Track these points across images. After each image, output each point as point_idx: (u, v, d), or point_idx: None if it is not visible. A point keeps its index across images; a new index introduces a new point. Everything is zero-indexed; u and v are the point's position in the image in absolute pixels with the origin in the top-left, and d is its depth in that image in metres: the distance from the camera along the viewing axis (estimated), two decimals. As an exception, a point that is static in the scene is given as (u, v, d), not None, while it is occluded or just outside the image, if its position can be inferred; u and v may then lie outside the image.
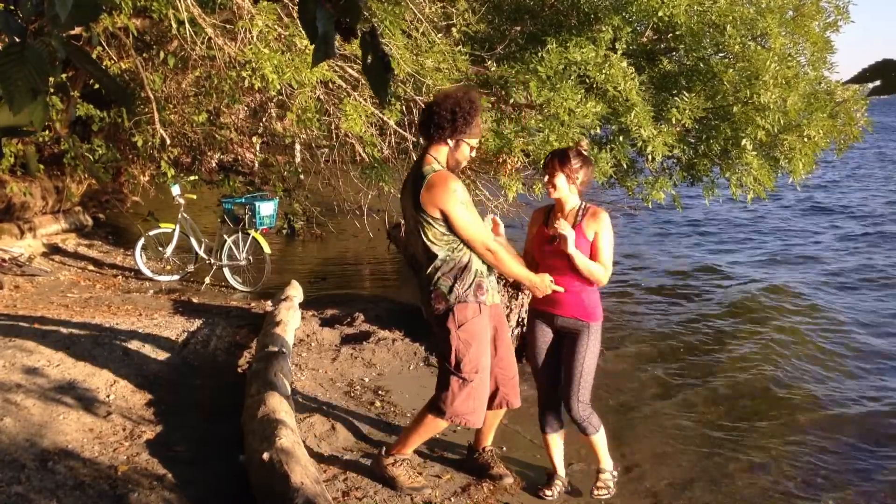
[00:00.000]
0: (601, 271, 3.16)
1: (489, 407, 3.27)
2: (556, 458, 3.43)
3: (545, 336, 3.34)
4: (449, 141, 3.05)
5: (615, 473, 3.44)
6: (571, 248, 3.08)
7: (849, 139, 6.55)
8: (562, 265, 3.16)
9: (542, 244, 3.27)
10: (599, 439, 3.34)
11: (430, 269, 3.07)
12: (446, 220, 2.99)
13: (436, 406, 3.16)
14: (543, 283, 3.13)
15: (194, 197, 7.36)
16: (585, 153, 3.26)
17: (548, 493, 3.34)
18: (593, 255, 3.16)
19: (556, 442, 3.43)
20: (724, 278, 8.04)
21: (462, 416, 3.13)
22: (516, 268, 3.14)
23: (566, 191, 3.20)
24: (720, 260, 9.03)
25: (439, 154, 3.09)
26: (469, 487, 3.34)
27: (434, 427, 3.23)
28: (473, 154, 3.18)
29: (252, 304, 6.14)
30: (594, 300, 3.25)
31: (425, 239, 3.05)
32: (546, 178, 3.24)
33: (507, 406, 3.36)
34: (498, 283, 4.90)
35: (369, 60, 1.26)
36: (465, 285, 3.06)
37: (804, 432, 4.25)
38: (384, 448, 3.34)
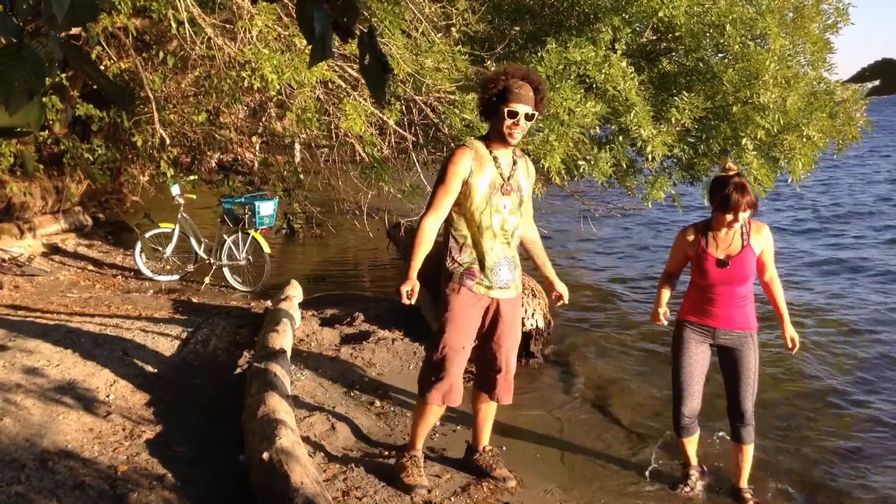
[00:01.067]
0: (780, 286, 3.38)
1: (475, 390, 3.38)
2: (693, 455, 3.53)
3: (700, 347, 3.40)
4: (492, 115, 3.13)
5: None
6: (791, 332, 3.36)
7: (847, 139, 6.55)
8: (727, 291, 3.28)
9: (706, 264, 3.29)
10: (751, 451, 3.41)
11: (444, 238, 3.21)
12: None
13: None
14: (403, 286, 3.01)
15: (194, 197, 7.36)
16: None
17: (686, 489, 3.47)
18: (761, 268, 3.31)
19: (694, 441, 3.52)
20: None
21: (423, 389, 3.21)
22: (416, 252, 3.07)
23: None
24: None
25: (490, 131, 3.19)
26: (469, 487, 3.34)
27: (417, 408, 3.31)
28: (518, 121, 3.07)
29: (252, 304, 6.14)
30: (753, 310, 3.36)
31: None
32: (731, 214, 3.18)
33: (490, 399, 3.37)
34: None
35: (367, 61, 1.26)
36: (455, 264, 3.15)
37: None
38: (405, 446, 3.41)
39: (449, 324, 3.13)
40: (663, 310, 3.45)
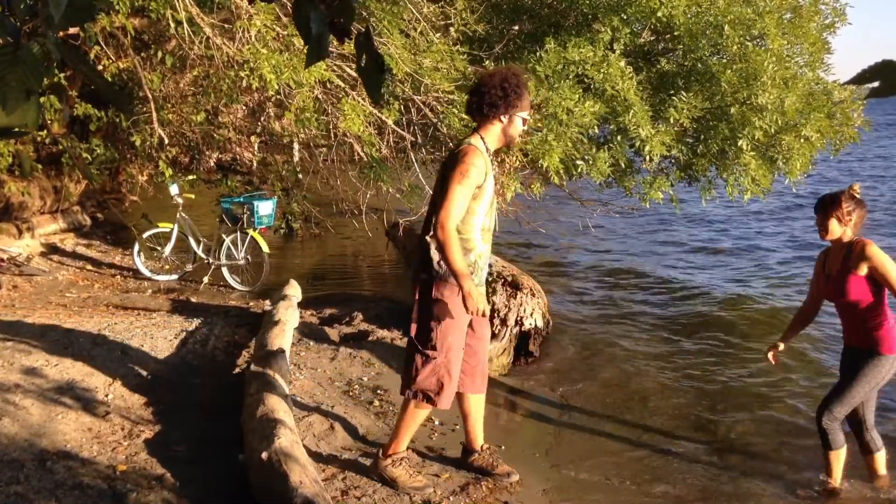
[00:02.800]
0: None
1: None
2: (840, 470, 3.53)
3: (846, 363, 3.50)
4: (503, 117, 3.09)
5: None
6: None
7: (845, 139, 6.55)
8: (846, 302, 3.35)
9: (820, 283, 3.49)
10: (836, 459, 3.45)
11: (429, 237, 3.07)
12: None
13: (405, 385, 3.19)
14: (473, 300, 2.97)
15: (192, 196, 7.36)
16: (858, 196, 3.37)
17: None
18: (880, 286, 3.28)
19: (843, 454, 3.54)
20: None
21: (425, 392, 3.14)
22: (456, 261, 2.98)
23: (838, 233, 3.33)
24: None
25: (489, 133, 3.13)
26: (468, 486, 3.34)
27: (412, 412, 3.22)
28: (526, 127, 3.25)
29: (251, 304, 6.14)
30: (875, 329, 3.33)
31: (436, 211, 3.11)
32: (818, 223, 3.37)
33: (466, 391, 3.35)
34: (497, 280, 4.90)
35: (364, 61, 1.26)
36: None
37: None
38: (380, 450, 3.34)
39: (451, 327, 3.10)
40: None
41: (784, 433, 4.21)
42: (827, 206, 3.33)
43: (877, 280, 3.25)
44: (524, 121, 3.16)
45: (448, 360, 3.12)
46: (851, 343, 3.44)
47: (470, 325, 3.25)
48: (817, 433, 3.46)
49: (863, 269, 3.26)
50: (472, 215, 3.09)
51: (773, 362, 3.70)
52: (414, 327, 3.16)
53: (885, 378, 3.36)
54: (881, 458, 3.53)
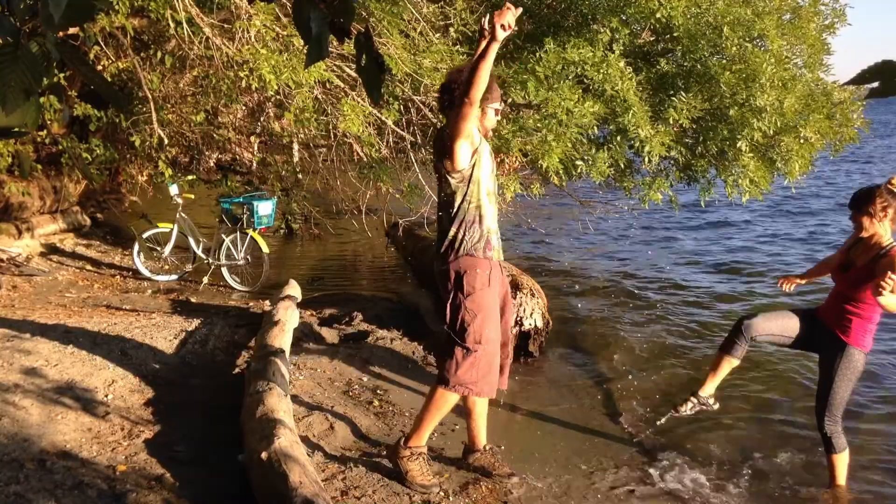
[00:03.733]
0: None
1: None
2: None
3: (805, 319, 3.56)
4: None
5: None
6: (881, 297, 3.06)
7: (845, 140, 6.55)
8: (845, 290, 3.36)
9: (838, 265, 3.48)
10: (839, 462, 3.44)
11: (445, 220, 3.19)
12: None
13: (441, 377, 3.22)
14: (506, 17, 2.80)
15: (192, 196, 7.36)
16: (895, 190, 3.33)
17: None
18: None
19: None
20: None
21: (466, 385, 3.18)
22: (481, 60, 2.85)
23: (872, 230, 3.29)
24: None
25: None
26: (468, 486, 3.34)
27: (443, 402, 3.25)
28: (499, 118, 3.36)
29: (250, 304, 6.14)
30: (862, 326, 3.34)
31: (445, 193, 3.20)
32: (852, 219, 3.35)
33: (499, 386, 3.38)
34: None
35: (364, 61, 1.26)
36: (475, 238, 3.15)
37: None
38: (402, 438, 3.34)
39: (480, 316, 3.14)
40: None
41: (796, 446, 4.17)
42: (860, 203, 3.30)
43: None
44: (497, 111, 3.26)
45: (488, 351, 3.17)
46: (825, 317, 3.47)
47: (502, 313, 3.31)
48: (820, 440, 3.50)
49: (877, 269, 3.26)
50: (477, 184, 3.16)
51: (783, 288, 3.79)
52: (448, 321, 3.20)
53: (860, 371, 3.40)
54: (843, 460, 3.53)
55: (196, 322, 5.20)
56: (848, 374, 3.35)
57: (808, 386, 4.72)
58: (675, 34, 6.24)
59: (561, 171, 5.73)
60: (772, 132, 5.88)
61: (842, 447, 3.45)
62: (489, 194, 3.22)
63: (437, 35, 6.07)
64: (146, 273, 7.01)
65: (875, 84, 1.18)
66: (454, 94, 3.09)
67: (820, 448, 3.62)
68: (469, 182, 3.15)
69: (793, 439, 4.12)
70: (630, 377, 5.02)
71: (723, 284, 7.77)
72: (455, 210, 3.16)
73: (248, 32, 5.15)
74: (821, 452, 3.63)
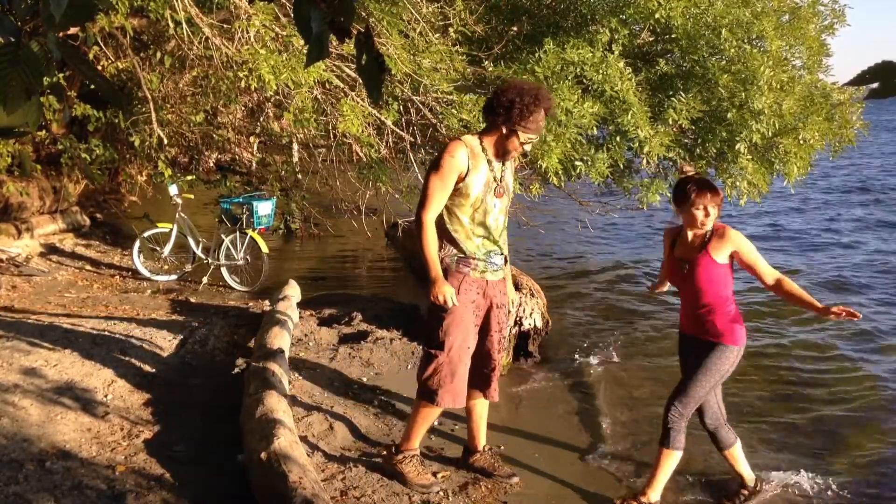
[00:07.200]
0: (772, 277, 3.19)
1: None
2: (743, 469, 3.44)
3: (688, 355, 3.31)
4: (503, 129, 3.08)
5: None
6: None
7: (844, 141, 6.55)
8: (690, 289, 3.23)
9: (672, 268, 3.31)
10: (666, 459, 3.24)
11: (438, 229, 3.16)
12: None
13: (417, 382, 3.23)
14: (436, 288, 3.00)
15: (192, 197, 7.36)
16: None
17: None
18: (751, 272, 3.20)
19: (736, 454, 3.42)
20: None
21: (429, 393, 3.15)
22: (429, 253, 3.04)
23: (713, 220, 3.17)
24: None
25: (488, 137, 3.13)
26: (467, 486, 3.34)
27: (423, 410, 3.22)
28: (527, 149, 3.21)
29: (250, 304, 6.14)
30: (724, 321, 3.20)
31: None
32: (701, 209, 3.13)
33: (485, 398, 3.37)
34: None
35: (364, 61, 1.26)
36: (450, 254, 3.13)
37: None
38: (394, 445, 3.35)
39: (453, 324, 3.10)
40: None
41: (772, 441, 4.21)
42: (711, 194, 3.14)
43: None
44: (522, 143, 3.09)
45: (450, 359, 3.12)
46: (694, 332, 3.30)
47: (488, 329, 3.25)
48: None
49: (721, 256, 3.20)
50: (460, 209, 3.11)
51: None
52: (425, 328, 3.21)
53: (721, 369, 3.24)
54: (738, 451, 3.41)
55: (196, 322, 5.20)
56: (712, 369, 3.18)
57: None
58: (673, 35, 6.24)
59: (560, 172, 5.73)
60: (770, 134, 5.88)
61: (678, 445, 3.21)
62: (475, 224, 3.12)
63: (437, 35, 6.07)
64: (145, 273, 7.01)
65: (875, 85, 1.19)
66: (492, 103, 3.07)
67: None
68: (452, 207, 3.11)
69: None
70: (632, 377, 5.02)
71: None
72: (439, 224, 3.14)
73: (248, 32, 5.15)
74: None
